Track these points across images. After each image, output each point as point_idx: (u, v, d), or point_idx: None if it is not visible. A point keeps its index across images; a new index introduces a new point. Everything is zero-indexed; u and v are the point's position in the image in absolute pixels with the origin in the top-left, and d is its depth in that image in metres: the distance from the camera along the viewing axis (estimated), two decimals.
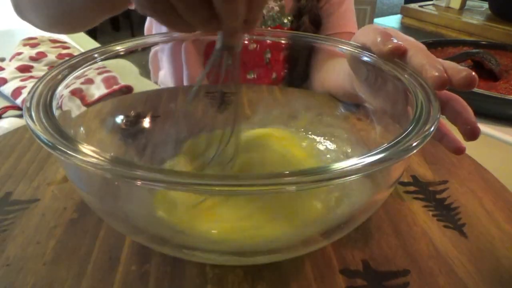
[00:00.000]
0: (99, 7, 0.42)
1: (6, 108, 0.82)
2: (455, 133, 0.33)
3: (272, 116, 0.47)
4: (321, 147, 0.42)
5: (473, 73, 0.28)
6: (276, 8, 0.64)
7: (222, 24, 0.27)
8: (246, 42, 0.51)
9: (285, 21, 0.65)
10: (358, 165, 0.21)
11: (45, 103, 0.26)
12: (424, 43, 0.49)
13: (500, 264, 0.32)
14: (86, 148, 0.21)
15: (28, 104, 0.26)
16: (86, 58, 0.33)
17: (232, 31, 0.29)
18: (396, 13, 2.20)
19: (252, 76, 0.59)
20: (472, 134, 0.30)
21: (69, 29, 0.53)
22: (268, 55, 0.61)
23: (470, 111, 0.31)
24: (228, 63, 0.32)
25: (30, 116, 0.24)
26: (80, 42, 1.17)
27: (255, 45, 0.49)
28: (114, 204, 0.29)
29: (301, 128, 0.44)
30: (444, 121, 0.33)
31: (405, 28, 1.96)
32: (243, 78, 0.59)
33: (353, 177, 0.21)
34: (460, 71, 0.29)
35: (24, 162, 0.42)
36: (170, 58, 0.59)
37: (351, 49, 0.37)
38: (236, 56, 0.32)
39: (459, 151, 0.32)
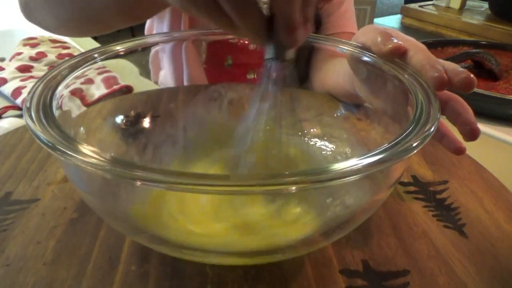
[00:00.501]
0: (125, 15, 0.40)
1: (6, 108, 0.82)
2: (455, 133, 0.33)
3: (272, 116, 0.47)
4: (321, 147, 0.42)
5: (472, 76, 0.28)
6: None
7: (277, 25, 0.24)
8: (246, 42, 0.51)
9: None
10: (358, 165, 0.21)
11: (45, 103, 0.26)
12: (424, 43, 0.49)
13: (500, 264, 0.32)
14: (86, 148, 0.21)
15: (28, 104, 0.26)
16: (86, 58, 0.33)
17: (290, 27, 0.25)
18: (396, 13, 2.20)
19: (252, 76, 0.59)
20: (472, 134, 0.30)
21: (81, 33, 0.49)
22: None
23: (470, 111, 0.31)
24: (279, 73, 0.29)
25: (30, 116, 0.24)
26: (80, 42, 1.17)
27: (255, 45, 0.49)
28: (114, 204, 0.29)
29: (301, 128, 0.44)
30: (444, 121, 0.33)
31: (405, 28, 1.96)
32: (243, 78, 0.59)
33: (353, 177, 0.21)
34: (459, 72, 0.29)
35: (24, 162, 0.42)
36: (170, 58, 0.59)
37: (351, 49, 0.37)
38: (290, 65, 0.29)
39: (460, 151, 0.32)
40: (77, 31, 0.47)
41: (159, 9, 0.40)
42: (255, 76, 0.59)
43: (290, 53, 0.28)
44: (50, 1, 0.42)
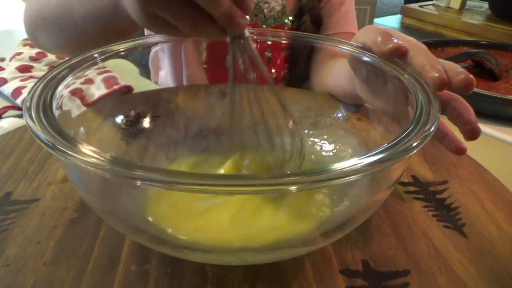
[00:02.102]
0: (106, 33, 0.44)
1: (6, 108, 0.82)
2: (456, 134, 0.33)
3: (272, 116, 0.47)
4: (321, 147, 0.42)
5: (471, 76, 0.28)
6: (278, 8, 0.64)
7: (214, 19, 0.28)
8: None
9: (286, 21, 0.65)
10: (358, 165, 0.21)
11: (45, 103, 0.26)
12: (424, 43, 0.49)
13: (500, 264, 0.32)
14: (86, 148, 0.21)
15: (28, 104, 0.26)
16: (86, 58, 0.33)
17: (228, 19, 0.29)
18: (396, 13, 2.20)
19: (252, 76, 0.59)
20: (472, 134, 0.30)
21: (79, 51, 0.56)
22: (269, 55, 0.61)
23: (471, 111, 0.31)
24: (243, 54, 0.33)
25: (30, 116, 0.24)
26: None
27: (255, 45, 0.49)
28: (114, 204, 0.29)
29: (301, 128, 0.44)
30: (445, 121, 0.33)
31: (405, 28, 1.96)
32: (243, 78, 0.59)
33: (353, 177, 0.21)
34: (459, 73, 0.29)
35: (24, 162, 0.42)
36: (170, 58, 0.59)
37: (351, 49, 0.37)
38: (248, 44, 0.33)
39: (460, 151, 0.32)
40: (71, 51, 0.55)
41: (134, 29, 0.44)
42: (255, 76, 0.59)
43: (242, 33, 0.32)
44: (49, 31, 0.49)
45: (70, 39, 0.49)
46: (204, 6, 0.28)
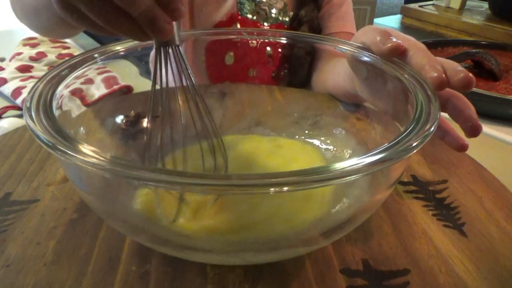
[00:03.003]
0: (59, 27, 0.44)
1: (6, 108, 0.82)
2: (457, 130, 0.33)
3: (272, 116, 0.47)
4: (321, 147, 0.42)
5: (470, 75, 0.28)
6: (279, 6, 0.64)
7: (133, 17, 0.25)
8: (246, 40, 0.51)
9: (287, 19, 0.65)
10: (358, 165, 0.21)
11: (45, 103, 0.26)
12: (424, 43, 0.49)
13: (500, 263, 0.32)
14: (86, 148, 0.21)
15: (28, 104, 0.26)
16: (86, 58, 0.33)
17: (148, 21, 0.25)
18: (396, 13, 2.20)
19: (252, 74, 0.59)
20: (473, 130, 0.30)
21: (57, 37, 0.57)
22: (269, 53, 0.61)
23: (471, 108, 0.31)
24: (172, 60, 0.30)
25: (30, 116, 0.24)
26: (80, 42, 1.17)
27: (255, 43, 0.49)
28: (114, 204, 0.29)
29: (301, 128, 0.44)
30: (446, 119, 0.33)
31: (405, 28, 1.96)
32: (243, 76, 0.59)
33: (353, 177, 0.21)
34: (458, 72, 0.28)
35: (23, 162, 0.42)
36: None
37: (351, 49, 0.37)
38: (177, 53, 0.30)
39: (463, 148, 0.32)
40: (53, 35, 0.57)
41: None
42: (255, 74, 0.59)
43: (175, 39, 0.29)
44: (24, 14, 0.49)
45: (38, 26, 0.48)
46: (118, 2, 0.24)
